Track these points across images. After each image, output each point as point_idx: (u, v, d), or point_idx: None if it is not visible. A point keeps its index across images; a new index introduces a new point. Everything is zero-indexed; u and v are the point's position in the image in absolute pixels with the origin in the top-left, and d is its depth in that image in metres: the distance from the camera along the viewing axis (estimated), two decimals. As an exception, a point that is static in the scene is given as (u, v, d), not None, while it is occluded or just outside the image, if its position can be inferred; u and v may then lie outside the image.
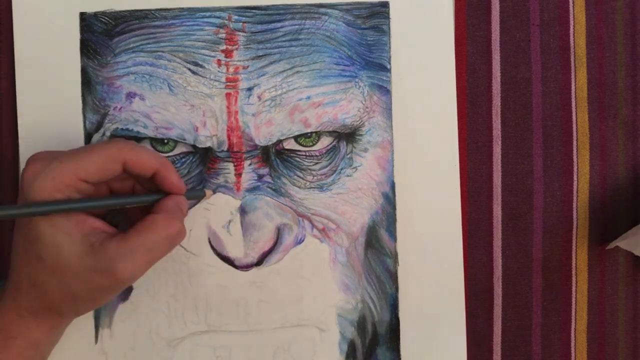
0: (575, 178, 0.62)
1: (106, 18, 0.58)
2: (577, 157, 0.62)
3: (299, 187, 0.59)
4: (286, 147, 0.59)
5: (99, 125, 0.58)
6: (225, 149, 0.58)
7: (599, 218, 0.63)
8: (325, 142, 0.59)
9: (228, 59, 0.58)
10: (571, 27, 0.62)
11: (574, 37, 0.62)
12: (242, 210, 0.58)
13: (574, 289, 0.62)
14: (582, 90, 0.62)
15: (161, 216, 0.51)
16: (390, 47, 0.59)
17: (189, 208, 0.58)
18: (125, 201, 0.52)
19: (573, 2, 0.62)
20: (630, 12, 0.63)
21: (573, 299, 0.62)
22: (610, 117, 0.62)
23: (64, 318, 0.52)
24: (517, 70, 0.62)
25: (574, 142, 0.62)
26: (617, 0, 0.63)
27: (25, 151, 0.58)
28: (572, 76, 0.62)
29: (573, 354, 0.62)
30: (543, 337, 0.62)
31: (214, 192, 0.58)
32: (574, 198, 0.62)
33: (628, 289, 0.63)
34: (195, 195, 0.57)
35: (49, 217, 0.48)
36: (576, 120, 0.62)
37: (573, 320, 0.62)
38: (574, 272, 0.62)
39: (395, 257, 0.60)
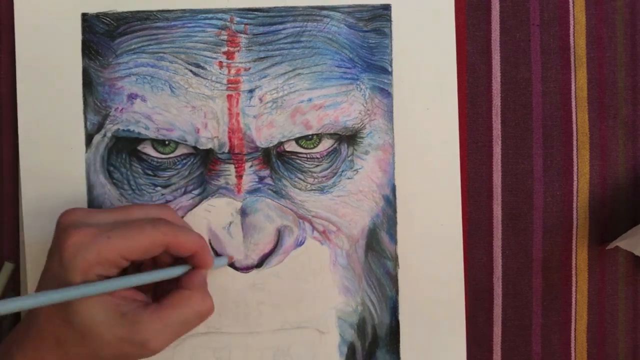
0: (575, 178, 0.62)
1: (108, 19, 0.58)
2: (577, 157, 0.62)
3: (300, 189, 0.59)
4: (287, 149, 0.59)
5: (100, 126, 0.58)
6: (226, 150, 0.58)
7: (599, 218, 0.63)
8: (326, 144, 0.59)
9: (230, 61, 0.58)
10: (571, 27, 0.62)
11: (574, 37, 0.62)
12: (243, 212, 0.58)
13: (574, 289, 0.62)
14: (582, 90, 0.62)
15: (195, 293, 0.52)
16: (391, 50, 0.59)
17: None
18: (155, 276, 0.52)
19: (573, 2, 0.62)
20: (630, 12, 0.63)
21: (573, 299, 0.62)
22: (610, 117, 0.63)
23: None
24: (517, 70, 0.62)
25: (574, 142, 0.62)
26: (617, 0, 0.63)
27: (25, 151, 0.58)
28: (572, 76, 0.62)
29: (573, 354, 0.62)
30: (543, 337, 0.62)
31: (214, 195, 0.58)
32: (574, 198, 0.62)
33: (628, 289, 0.63)
34: (219, 264, 0.57)
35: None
36: (576, 120, 0.62)
37: (573, 320, 0.62)
38: (574, 272, 0.62)
39: (395, 259, 0.60)
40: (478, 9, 0.62)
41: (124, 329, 0.48)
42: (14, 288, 0.60)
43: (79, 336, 0.48)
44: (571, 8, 0.62)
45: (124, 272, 0.52)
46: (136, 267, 0.55)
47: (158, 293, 0.55)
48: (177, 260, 0.54)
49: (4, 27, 0.59)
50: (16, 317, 0.60)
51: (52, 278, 0.49)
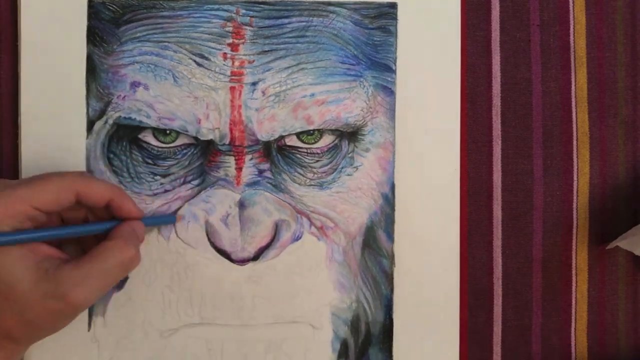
0: (575, 178, 0.62)
1: (114, 6, 0.58)
2: (577, 157, 0.62)
3: (299, 184, 0.59)
4: (288, 144, 0.59)
5: (102, 113, 0.58)
6: (227, 142, 0.58)
7: (599, 218, 0.63)
8: (327, 140, 0.59)
9: (234, 53, 0.58)
10: (571, 27, 0.62)
11: (574, 37, 0.62)
12: (241, 205, 0.58)
13: (574, 289, 0.62)
14: (582, 90, 0.62)
15: (114, 242, 0.51)
16: (396, 48, 0.59)
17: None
18: (78, 230, 0.52)
19: (573, 2, 0.62)
20: (630, 12, 0.63)
21: (573, 299, 0.62)
22: (610, 117, 0.63)
23: (19, 345, 0.52)
24: (517, 70, 0.62)
25: (574, 142, 0.62)
26: (617, 0, 0.63)
27: (26, 135, 0.58)
28: (572, 76, 0.62)
29: (573, 354, 0.62)
30: (543, 337, 0.62)
31: (213, 186, 0.58)
32: (574, 198, 0.62)
33: (628, 289, 0.63)
34: (165, 220, 0.57)
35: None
36: (576, 120, 0.62)
37: (573, 320, 0.62)
38: (574, 272, 0.62)
39: (391, 258, 0.60)
40: (478, 9, 0.62)
41: (45, 284, 0.48)
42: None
43: (2, 299, 0.48)
44: (571, 8, 0.62)
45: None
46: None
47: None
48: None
49: (5, 22, 0.59)
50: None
51: None
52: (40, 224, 0.51)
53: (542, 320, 0.62)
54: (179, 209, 0.58)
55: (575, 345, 0.62)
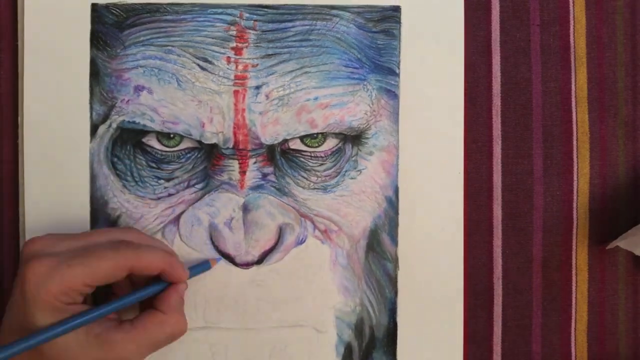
0: (575, 178, 0.62)
1: (118, 10, 0.58)
2: (577, 157, 0.62)
3: (303, 187, 0.59)
4: (292, 147, 0.59)
5: (106, 117, 0.58)
6: (231, 146, 0.58)
7: (599, 218, 0.63)
8: (330, 143, 0.59)
9: (237, 57, 0.58)
10: (571, 27, 0.62)
11: (574, 37, 0.62)
12: (245, 208, 0.58)
13: (574, 289, 0.62)
14: (582, 90, 0.62)
15: (169, 317, 0.52)
16: (399, 52, 0.59)
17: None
18: (131, 299, 0.52)
19: (573, 2, 0.62)
20: (630, 12, 0.63)
21: (573, 299, 0.62)
22: (610, 117, 0.63)
23: None
24: (517, 70, 0.62)
25: (574, 142, 0.62)
26: (617, 0, 0.63)
27: (29, 139, 0.58)
28: (572, 76, 0.62)
29: (573, 354, 0.62)
30: (543, 337, 0.62)
31: (217, 190, 0.58)
32: (574, 198, 0.62)
33: (628, 289, 0.63)
34: (201, 270, 0.58)
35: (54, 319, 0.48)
36: (576, 120, 0.62)
37: (573, 320, 0.62)
38: (574, 272, 0.62)
39: (395, 261, 0.60)
40: (478, 9, 0.62)
41: (98, 351, 0.49)
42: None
43: None
44: (571, 8, 0.62)
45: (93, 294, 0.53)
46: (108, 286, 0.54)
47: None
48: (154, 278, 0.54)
49: (5, 22, 0.59)
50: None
51: (17, 311, 0.49)
52: (88, 292, 0.51)
53: (542, 320, 0.62)
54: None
55: (575, 345, 0.63)
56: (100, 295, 0.55)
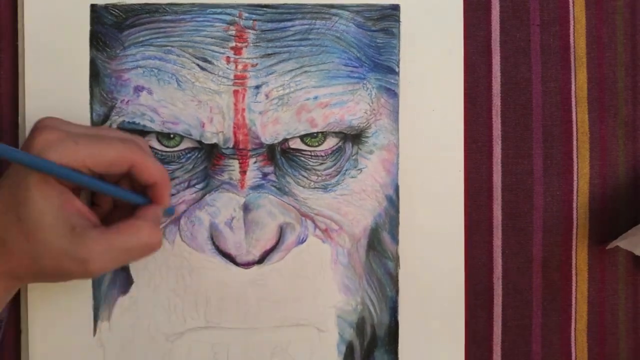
0: (575, 178, 0.62)
1: (117, 11, 0.58)
2: (577, 157, 0.62)
3: (303, 186, 0.59)
4: (292, 147, 0.59)
5: (106, 118, 0.58)
6: (231, 146, 0.58)
7: (599, 218, 0.63)
8: (331, 142, 0.59)
9: (237, 56, 0.58)
10: (571, 27, 0.62)
11: (574, 37, 0.62)
12: (246, 208, 0.58)
13: (574, 289, 0.62)
14: (582, 90, 0.62)
15: (145, 223, 0.51)
16: (399, 50, 0.59)
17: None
18: (118, 192, 0.53)
19: (573, 2, 0.62)
20: (630, 12, 0.63)
21: (573, 299, 0.62)
22: (610, 117, 0.63)
23: (19, 283, 0.52)
24: (517, 70, 0.62)
25: (574, 142, 0.62)
26: (617, 0, 0.63)
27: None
28: (572, 76, 0.62)
29: (573, 354, 0.62)
30: (543, 337, 0.62)
31: (218, 190, 0.58)
32: (574, 198, 0.62)
33: (628, 289, 0.63)
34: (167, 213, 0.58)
35: (42, 186, 0.48)
36: (576, 120, 0.62)
37: (573, 320, 0.62)
38: (574, 272, 0.62)
39: (396, 260, 0.60)
40: (478, 9, 0.62)
41: (68, 241, 0.48)
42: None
43: (24, 237, 0.48)
44: (571, 8, 0.62)
45: None
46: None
47: (110, 222, 0.53)
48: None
49: (5, 22, 0.59)
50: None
51: (14, 172, 0.50)
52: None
53: (542, 320, 0.62)
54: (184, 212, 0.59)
55: (575, 345, 0.63)
56: None
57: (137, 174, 0.51)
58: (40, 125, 0.50)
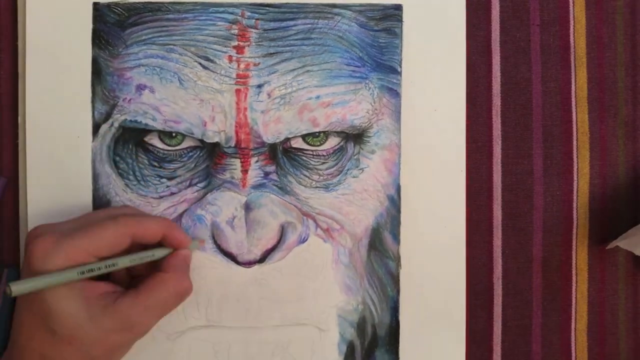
0: (575, 178, 0.62)
1: (119, 9, 0.58)
2: (577, 157, 0.62)
3: (305, 186, 0.59)
4: (293, 146, 0.59)
5: (108, 116, 0.58)
6: (233, 144, 0.58)
7: (599, 218, 0.63)
8: (332, 142, 0.59)
9: (239, 55, 0.58)
10: (571, 27, 0.62)
11: (574, 37, 0.62)
12: (247, 207, 0.58)
13: (574, 289, 0.63)
14: (582, 90, 0.63)
15: (171, 275, 0.53)
16: (401, 50, 0.59)
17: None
18: (133, 258, 0.53)
19: (573, 2, 0.62)
20: (630, 12, 0.63)
21: (573, 299, 0.63)
22: (610, 117, 0.63)
23: None
24: (517, 70, 0.62)
25: (574, 142, 0.62)
26: (617, 0, 0.63)
27: (32, 139, 0.58)
28: (572, 76, 0.62)
29: (573, 354, 0.63)
30: (543, 337, 0.62)
31: (219, 188, 0.58)
32: (574, 198, 0.63)
33: (628, 289, 0.63)
34: (193, 247, 0.58)
35: (57, 291, 0.49)
36: (576, 120, 0.62)
37: (573, 320, 0.63)
38: (574, 272, 0.63)
39: (397, 260, 0.60)
40: (478, 9, 0.62)
41: (108, 320, 0.49)
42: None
43: (66, 343, 0.49)
44: (571, 8, 0.62)
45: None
46: None
47: (134, 283, 0.54)
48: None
49: (5, 22, 0.59)
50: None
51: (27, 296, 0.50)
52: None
53: (542, 320, 0.62)
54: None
55: (575, 345, 0.63)
56: None
57: (142, 240, 0.52)
58: (32, 237, 0.50)
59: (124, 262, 0.52)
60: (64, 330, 0.49)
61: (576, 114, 0.62)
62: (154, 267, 0.54)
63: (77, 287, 0.49)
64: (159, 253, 0.54)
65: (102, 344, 0.50)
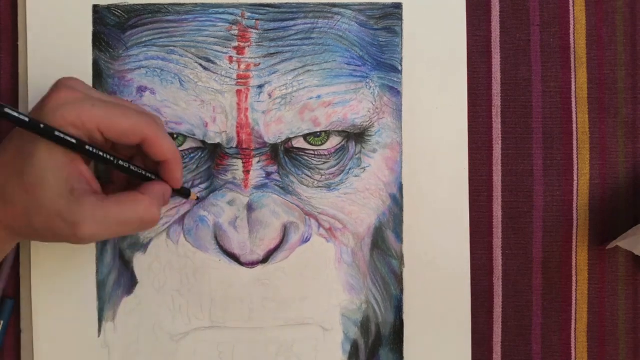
0: (575, 178, 0.62)
1: (119, 11, 0.58)
2: (577, 157, 0.62)
3: (307, 186, 0.59)
4: (295, 146, 0.59)
5: (109, 118, 0.58)
6: (234, 145, 0.58)
7: (599, 218, 0.63)
8: (334, 141, 0.59)
9: (240, 56, 0.58)
10: (571, 27, 0.62)
11: (574, 37, 0.62)
12: (250, 208, 0.58)
13: (574, 289, 0.63)
14: (582, 90, 0.63)
15: (145, 198, 0.51)
16: (402, 49, 0.60)
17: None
18: (125, 166, 0.52)
19: (573, 2, 0.62)
20: (630, 12, 0.63)
21: (573, 299, 0.63)
22: (610, 117, 0.63)
23: (16, 237, 0.51)
24: (517, 70, 0.62)
25: (574, 142, 0.62)
26: (617, 0, 0.63)
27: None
28: (572, 76, 0.62)
29: (573, 354, 0.63)
30: (543, 337, 0.62)
31: (221, 189, 0.58)
32: (574, 198, 0.63)
33: (628, 288, 0.63)
34: (182, 193, 0.57)
35: (51, 142, 0.48)
36: (576, 120, 0.62)
37: (573, 320, 0.63)
38: (574, 272, 0.63)
39: (401, 258, 0.60)
40: (478, 9, 0.62)
41: (64, 202, 0.48)
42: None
43: (23, 190, 0.48)
44: (571, 8, 0.62)
45: None
46: None
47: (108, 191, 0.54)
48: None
49: (5, 22, 0.59)
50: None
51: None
52: (94, 143, 0.50)
53: (542, 320, 0.62)
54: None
55: (575, 345, 0.63)
56: None
57: (148, 149, 0.51)
58: (60, 84, 0.50)
59: (109, 157, 0.51)
60: (30, 178, 0.47)
61: (576, 114, 0.62)
62: (133, 185, 0.53)
63: (71, 155, 0.49)
64: (149, 175, 0.53)
65: (45, 218, 0.48)
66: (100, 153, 0.50)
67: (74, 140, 0.48)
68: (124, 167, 0.52)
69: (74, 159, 0.49)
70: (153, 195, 0.52)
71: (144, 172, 0.53)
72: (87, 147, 0.49)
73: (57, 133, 0.47)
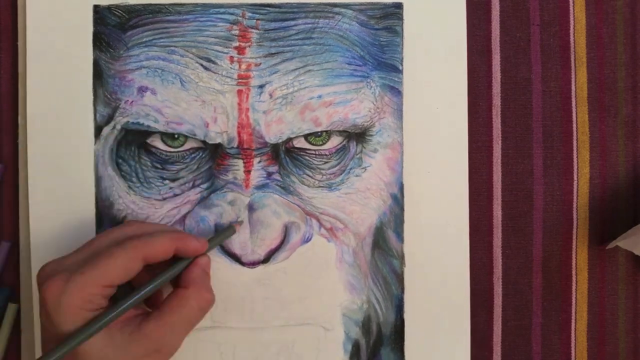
0: (575, 178, 0.62)
1: (120, 11, 0.58)
2: (577, 157, 0.62)
3: (308, 185, 0.59)
4: (296, 146, 0.59)
5: (110, 119, 0.58)
6: (235, 145, 0.58)
7: (599, 218, 0.63)
8: (335, 141, 0.59)
9: (240, 56, 0.58)
10: (571, 26, 0.62)
11: (574, 36, 0.62)
12: (250, 208, 0.58)
13: (574, 289, 0.63)
14: (582, 90, 0.63)
15: (191, 290, 0.52)
16: (402, 49, 0.60)
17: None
18: (153, 286, 0.52)
19: (573, 2, 0.62)
20: (630, 12, 0.63)
21: (573, 299, 0.63)
22: (610, 117, 0.63)
23: None
24: (517, 70, 0.62)
25: (574, 142, 0.62)
26: (617, 0, 0.63)
27: (34, 142, 0.58)
28: (572, 76, 0.63)
29: (573, 354, 0.63)
30: (543, 337, 0.62)
31: (222, 189, 0.58)
32: (574, 198, 0.63)
33: (628, 288, 0.63)
34: (226, 235, 0.57)
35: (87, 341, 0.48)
36: (576, 120, 0.62)
37: (573, 320, 0.63)
38: (574, 272, 0.63)
39: (402, 258, 0.60)
40: (478, 8, 0.62)
41: (135, 347, 0.49)
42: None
43: None
44: (571, 8, 0.62)
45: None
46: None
47: (153, 299, 0.55)
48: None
49: (5, 22, 0.59)
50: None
51: (50, 337, 0.49)
52: (111, 294, 0.51)
53: (542, 320, 0.62)
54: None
55: (575, 345, 0.63)
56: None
57: (154, 260, 0.51)
58: (41, 280, 0.49)
59: (146, 293, 0.51)
60: None
61: (576, 114, 0.62)
62: (175, 282, 0.54)
63: (111, 331, 0.49)
64: (178, 267, 0.53)
65: None
66: (125, 307, 0.50)
67: (97, 327, 0.48)
68: (151, 291, 0.52)
69: (118, 328, 0.49)
70: (196, 281, 0.53)
71: (173, 271, 0.53)
72: (108, 317, 0.49)
73: (79, 339, 0.48)
